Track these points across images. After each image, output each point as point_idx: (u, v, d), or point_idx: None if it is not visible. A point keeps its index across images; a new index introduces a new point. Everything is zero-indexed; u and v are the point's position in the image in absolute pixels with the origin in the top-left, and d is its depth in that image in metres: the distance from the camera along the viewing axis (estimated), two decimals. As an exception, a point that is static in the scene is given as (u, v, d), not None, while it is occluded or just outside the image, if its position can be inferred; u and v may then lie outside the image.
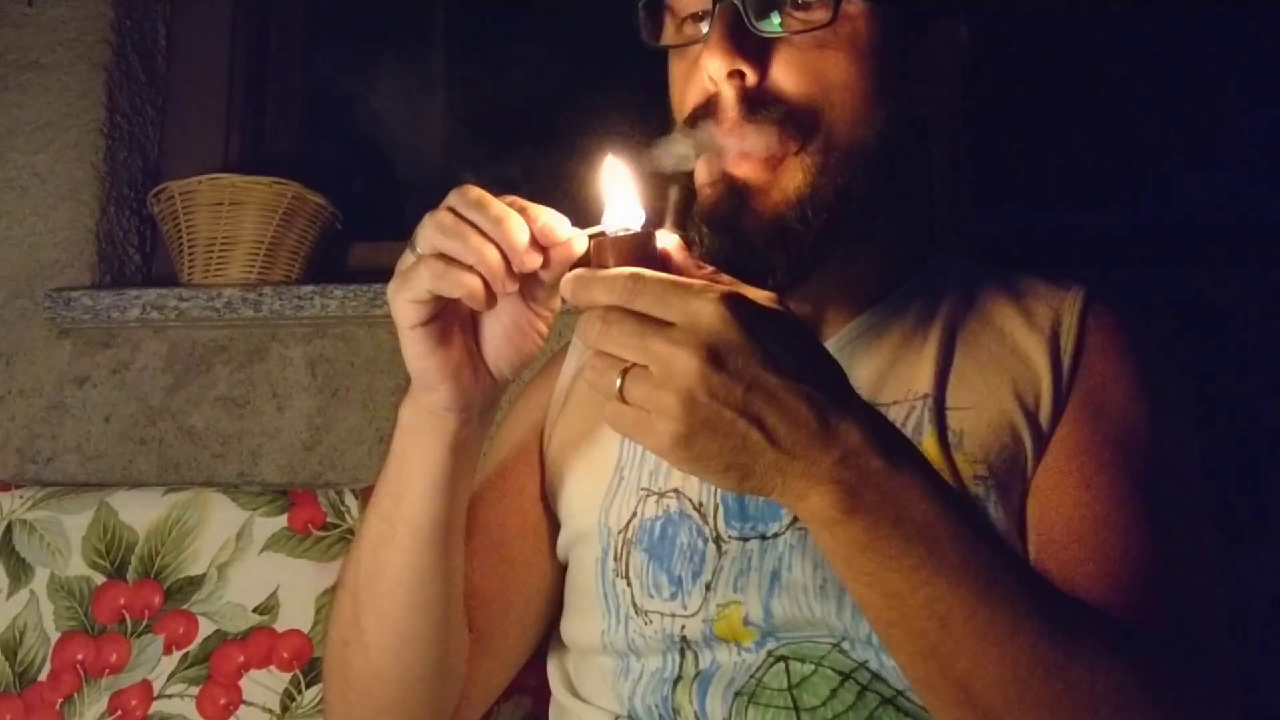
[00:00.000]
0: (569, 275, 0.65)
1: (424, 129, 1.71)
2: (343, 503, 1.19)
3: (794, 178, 0.80)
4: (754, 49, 0.80)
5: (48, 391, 1.46)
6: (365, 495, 1.20)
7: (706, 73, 0.80)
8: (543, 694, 1.00)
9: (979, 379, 0.85)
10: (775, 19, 0.81)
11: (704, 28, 0.83)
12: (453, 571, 0.84)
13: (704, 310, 0.60)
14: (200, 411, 1.44)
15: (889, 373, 0.87)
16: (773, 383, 0.60)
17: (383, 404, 1.41)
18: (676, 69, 0.87)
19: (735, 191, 0.80)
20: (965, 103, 0.90)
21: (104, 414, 1.45)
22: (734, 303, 0.61)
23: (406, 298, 0.71)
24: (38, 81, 1.53)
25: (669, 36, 0.88)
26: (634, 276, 0.62)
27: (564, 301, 0.69)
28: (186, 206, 1.47)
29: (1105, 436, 0.82)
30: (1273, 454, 1.20)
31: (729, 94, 0.80)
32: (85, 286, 1.48)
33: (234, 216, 1.46)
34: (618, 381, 0.61)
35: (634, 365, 0.61)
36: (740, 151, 0.80)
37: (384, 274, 1.46)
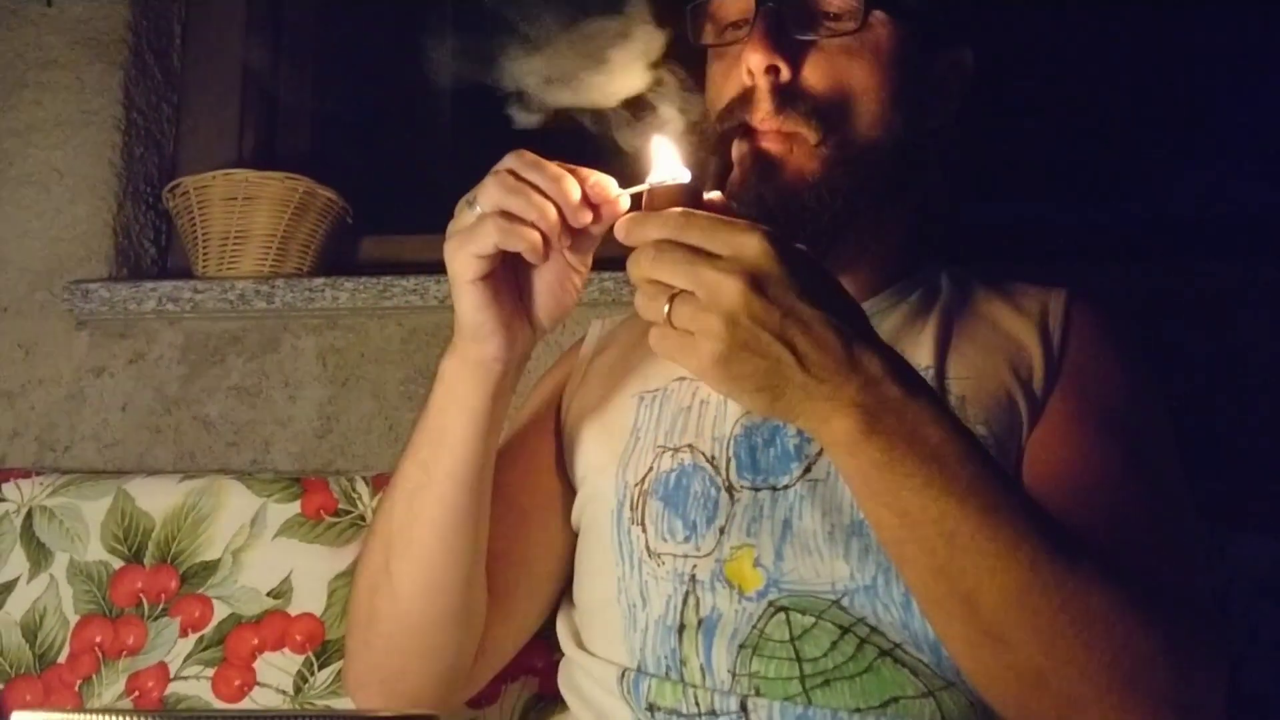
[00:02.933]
0: (624, 219, 0.71)
1: (433, 125, 1.73)
2: (354, 490, 1.21)
3: (813, 164, 0.87)
4: (790, 49, 0.88)
5: (66, 381, 1.48)
6: (376, 483, 1.22)
7: (746, 65, 0.88)
8: (549, 676, 1.02)
9: (977, 355, 0.91)
10: (809, 25, 0.89)
11: (742, 34, 0.90)
12: (481, 520, 0.88)
13: (749, 243, 0.66)
14: (214, 401, 1.45)
15: None
16: (807, 312, 0.66)
17: (392, 394, 1.43)
18: (715, 68, 0.94)
19: (762, 166, 0.87)
20: (964, 125, 0.97)
21: (121, 403, 1.47)
22: (775, 239, 0.66)
23: (471, 252, 0.77)
24: (56, 80, 1.55)
25: (709, 39, 0.95)
26: (685, 213, 0.68)
27: (591, 274, 0.78)
28: (201, 201, 1.49)
29: (1091, 407, 0.87)
30: (1257, 441, 1.22)
31: (764, 86, 0.87)
32: (103, 279, 1.49)
33: (247, 211, 1.48)
34: (666, 307, 0.66)
35: (681, 291, 0.66)
36: (770, 135, 0.87)
37: (393, 267, 1.50)
